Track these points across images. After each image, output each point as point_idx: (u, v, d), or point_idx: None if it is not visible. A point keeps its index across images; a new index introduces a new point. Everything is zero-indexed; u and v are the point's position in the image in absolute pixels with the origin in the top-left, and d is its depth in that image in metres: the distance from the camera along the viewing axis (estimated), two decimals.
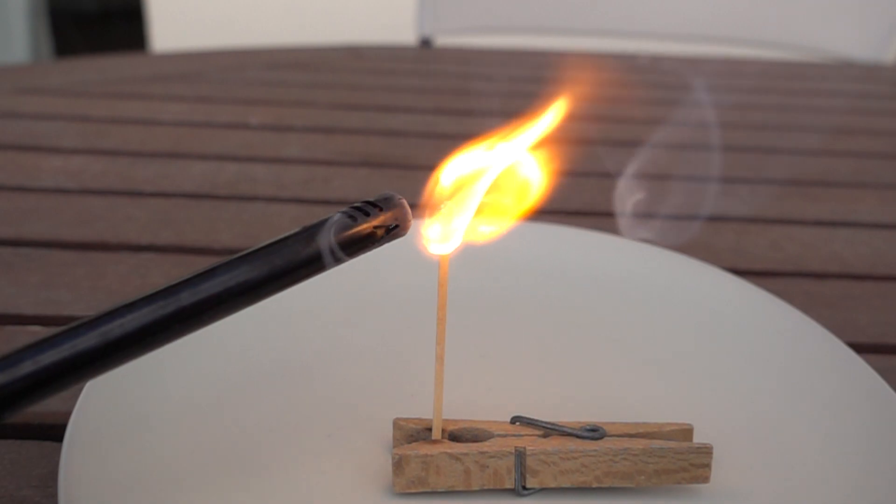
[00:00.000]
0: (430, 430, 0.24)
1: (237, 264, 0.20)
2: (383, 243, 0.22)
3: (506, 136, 0.24)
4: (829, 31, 1.08)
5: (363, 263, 0.35)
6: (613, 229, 0.43)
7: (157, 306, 0.18)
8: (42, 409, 0.28)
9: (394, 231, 0.22)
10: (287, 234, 0.21)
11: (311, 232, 0.21)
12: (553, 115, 0.24)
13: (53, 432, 0.27)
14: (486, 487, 0.23)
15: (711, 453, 0.24)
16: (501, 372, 0.30)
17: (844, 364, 0.29)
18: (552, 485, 0.23)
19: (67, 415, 0.24)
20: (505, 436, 0.24)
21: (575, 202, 0.50)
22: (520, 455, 0.23)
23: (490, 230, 0.25)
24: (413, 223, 0.23)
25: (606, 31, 1.08)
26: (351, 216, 0.21)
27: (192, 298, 0.19)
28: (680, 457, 0.23)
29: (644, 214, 0.35)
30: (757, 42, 1.08)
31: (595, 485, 0.23)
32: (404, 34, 1.09)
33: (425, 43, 1.07)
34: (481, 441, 0.24)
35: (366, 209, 0.22)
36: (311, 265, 0.21)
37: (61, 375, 0.17)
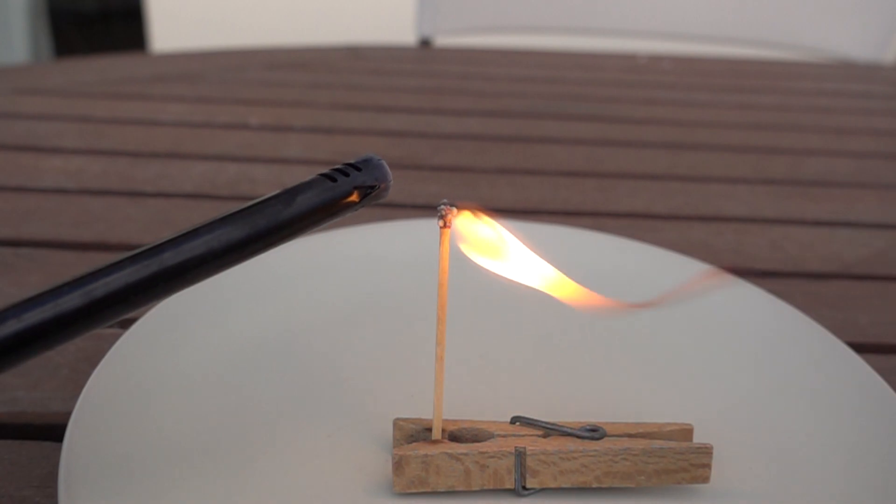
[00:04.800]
0: (430, 430, 0.24)
1: (220, 225, 0.20)
2: (365, 204, 0.22)
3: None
4: (829, 31, 1.08)
5: (364, 263, 0.36)
6: (613, 229, 0.43)
7: (141, 266, 0.19)
8: (42, 409, 0.28)
9: (375, 191, 0.22)
10: (269, 195, 0.21)
11: (292, 193, 0.21)
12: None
13: (53, 432, 0.27)
14: (486, 487, 0.23)
15: (711, 453, 0.24)
16: (501, 372, 0.30)
17: (844, 364, 0.29)
18: (552, 485, 0.23)
19: (67, 415, 0.24)
20: (505, 436, 0.24)
21: (575, 202, 0.50)
22: (520, 455, 0.23)
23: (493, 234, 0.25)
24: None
25: (606, 31, 1.08)
26: (331, 177, 0.22)
27: (175, 258, 0.19)
28: (680, 457, 0.23)
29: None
30: (757, 42, 1.08)
31: (595, 485, 0.23)
32: (404, 34, 1.09)
33: (425, 43, 1.07)
34: (481, 441, 0.24)
35: (346, 170, 0.22)
36: (293, 225, 0.21)
37: (46, 334, 0.17)
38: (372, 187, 0.22)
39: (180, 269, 0.19)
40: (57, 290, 0.17)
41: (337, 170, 0.22)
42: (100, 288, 0.18)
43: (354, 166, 0.22)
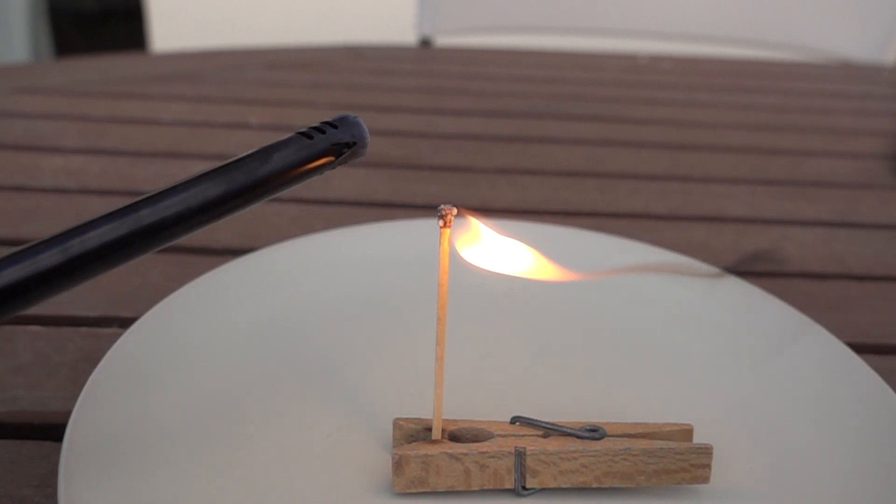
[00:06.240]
0: (430, 430, 0.24)
1: (197, 182, 0.20)
2: (342, 162, 0.22)
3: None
4: (829, 31, 1.08)
5: (364, 263, 0.36)
6: (613, 229, 0.43)
7: (119, 223, 0.19)
8: (42, 408, 0.28)
9: (352, 149, 0.22)
10: (246, 153, 0.21)
11: (269, 151, 0.21)
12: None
13: (53, 432, 0.27)
14: (486, 487, 0.23)
15: (711, 453, 0.24)
16: (501, 372, 0.30)
17: (844, 364, 0.29)
18: (552, 485, 0.23)
19: (67, 415, 0.24)
20: (505, 436, 0.24)
21: (575, 202, 0.50)
22: (520, 455, 0.23)
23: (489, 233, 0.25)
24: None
25: (606, 31, 1.08)
26: (308, 135, 0.22)
27: (152, 216, 0.19)
28: (680, 457, 0.23)
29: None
30: (757, 42, 1.08)
31: (595, 485, 0.23)
32: (404, 34, 1.09)
33: (425, 43, 1.07)
34: (481, 441, 0.24)
35: (322, 128, 0.22)
36: (270, 182, 0.21)
37: (24, 291, 0.17)
38: (349, 144, 0.22)
39: (158, 227, 0.19)
40: (34, 247, 0.17)
41: (314, 128, 0.22)
42: (77, 245, 0.18)
43: (331, 124, 0.22)
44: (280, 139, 0.21)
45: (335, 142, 0.22)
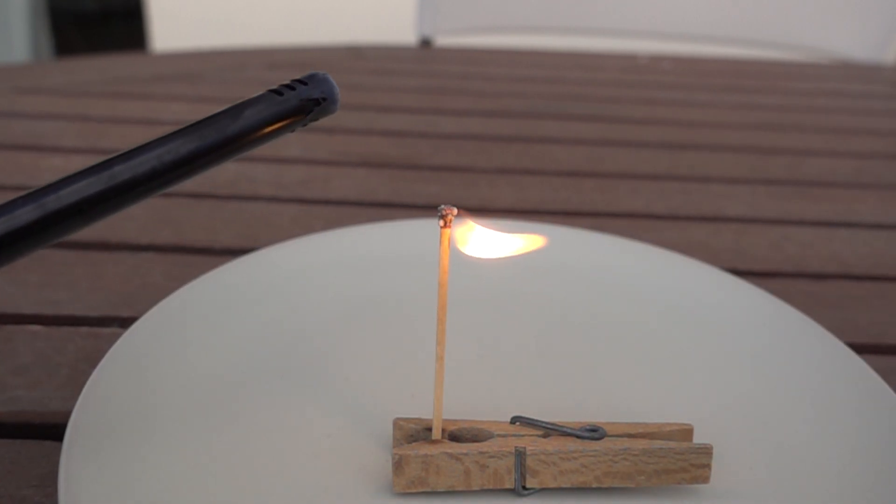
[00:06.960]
0: (430, 430, 0.24)
1: (170, 139, 0.20)
2: (313, 118, 0.23)
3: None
4: (829, 31, 1.08)
5: (364, 263, 0.36)
6: (613, 229, 0.43)
7: (93, 179, 0.19)
8: (42, 408, 0.28)
9: (322, 105, 0.23)
10: (218, 111, 0.21)
11: (240, 107, 0.21)
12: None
13: (53, 432, 0.27)
14: (486, 487, 0.23)
15: (711, 453, 0.24)
16: (501, 372, 0.30)
17: (844, 364, 0.29)
18: (552, 485, 0.23)
19: (67, 415, 0.24)
20: (505, 436, 0.24)
21: (575, 202, 0.50)
22: (520, 455, 0.23)
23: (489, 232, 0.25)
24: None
25: (606, 31, 1.08)
26: (278, 92, 0.22)
27: (126, 172, 0.19)
28: (680, 457, 0.23)
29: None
30: (757, 42, 1.08)
31: (595, 485, 0.23)
32: (405, 34, 1.09)
33: (425, 43, 1.07)
34: (481, 441, 0.24)
35: (293, 85, 0.22)
36: (241, 139, 0.21)
37: (1, 247, 0.17)
38: (318, 101, 0.22)
39: (132, 183, 0.19)
40: (11, 203, 0.18)
41: (284, 85, 0.22)
42: (53, 201, 0.18)
43: (301, 81, 0.23)
44: (251, 97, 0.22)
45: (305, 98, 0.22)
